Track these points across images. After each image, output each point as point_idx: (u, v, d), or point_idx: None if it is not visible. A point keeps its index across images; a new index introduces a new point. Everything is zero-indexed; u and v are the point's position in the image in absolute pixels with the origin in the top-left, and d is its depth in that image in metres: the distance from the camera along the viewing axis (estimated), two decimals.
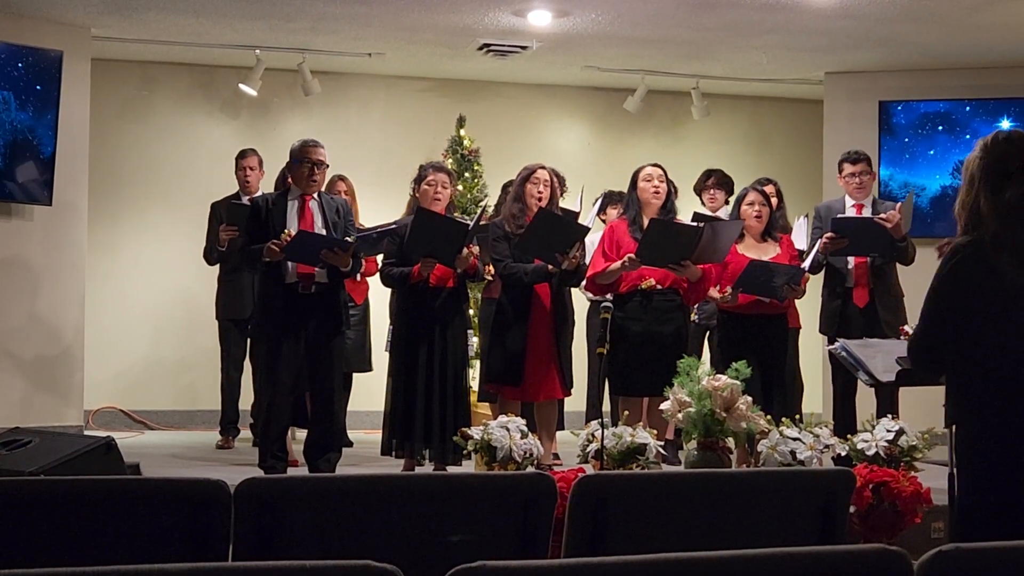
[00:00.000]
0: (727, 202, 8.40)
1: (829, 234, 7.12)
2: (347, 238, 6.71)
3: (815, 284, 7.95)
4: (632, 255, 6.79)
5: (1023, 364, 3.61)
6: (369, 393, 8.94)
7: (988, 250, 3.61)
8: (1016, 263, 3.59)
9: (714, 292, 7.01)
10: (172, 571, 2.04)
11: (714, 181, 8.44)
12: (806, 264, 7.10)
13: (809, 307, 7.99)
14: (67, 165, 8.86)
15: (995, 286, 3.61)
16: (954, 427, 3.77)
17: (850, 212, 7.42)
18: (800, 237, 7.76)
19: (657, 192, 7.05)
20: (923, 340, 3.79)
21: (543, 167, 7.14)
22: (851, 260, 7.32)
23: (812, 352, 8.77)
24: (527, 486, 3.30)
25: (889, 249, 7.16)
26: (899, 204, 7.29)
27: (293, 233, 6.55)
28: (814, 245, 7.31)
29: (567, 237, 6.81)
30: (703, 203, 8.50)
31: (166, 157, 10.39)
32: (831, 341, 6.89)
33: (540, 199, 7.01)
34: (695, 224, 7.13)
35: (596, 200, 8.16)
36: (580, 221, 7.46)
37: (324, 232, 6.69)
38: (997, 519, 3.58)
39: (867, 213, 7.37)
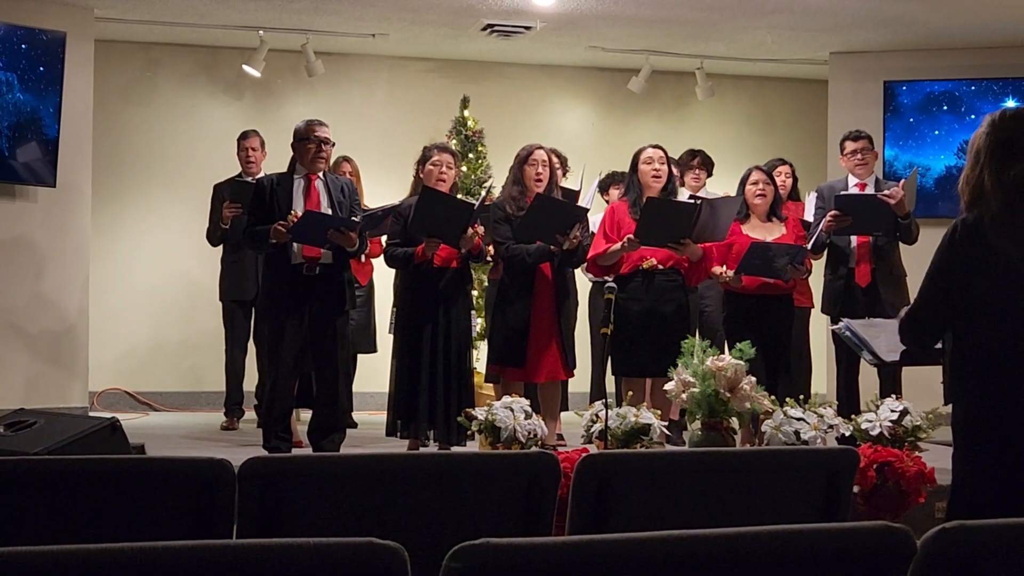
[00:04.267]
0: (705, 183, 8.43)
1: (833, 212, 7.10)
2: (353, 217, 6.70)
3: (820, 263, 7.94)
4: (631, 236, 6.78)
5: (1020, 343, 3.60)
6: (374, 374, 8.96)
7: (988, 228, 3.60)
8: (1015, 241, 3.57)
9: (717, 269, 6.99)
10: (177, 549, 2.04)
11: (699, 161, 8.44)
12: (809, 243, 7.07)
13: (814, 287, 7.97)
14: (71, 147, 8.86)
15: (994, 264, 3.60)
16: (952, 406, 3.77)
17: (853, 191, 7.40)
18: (810, 212, 7.75)
19: (657, 174, 7.01)
20: (916, 315, 3.79)
21: (540, 147, 7.08)
22: (853, 239, 7.29)
23: (816, 332, 8.75)
24: (531, 466, 3.30)
25: (893, 227, 7.14)
26: (903, 181, 7.27)
27: (299, 214, 6.55)
28: (818, 225, 7.29)
29: (566, 219, 6.80)
30: (682, 183, 8.47)
31: (169, 139, 10.38)
32: (834, 321, 6.88)
33: (539, 180, 6.98)
34: (692, 202, 7.11)
35: (596, 180, 8.15)
36: (580, 201, 7.43)
37: (330, 212, 6.66)
38: (992, 498, 3.58)
39: (870, 192, 7.35)
